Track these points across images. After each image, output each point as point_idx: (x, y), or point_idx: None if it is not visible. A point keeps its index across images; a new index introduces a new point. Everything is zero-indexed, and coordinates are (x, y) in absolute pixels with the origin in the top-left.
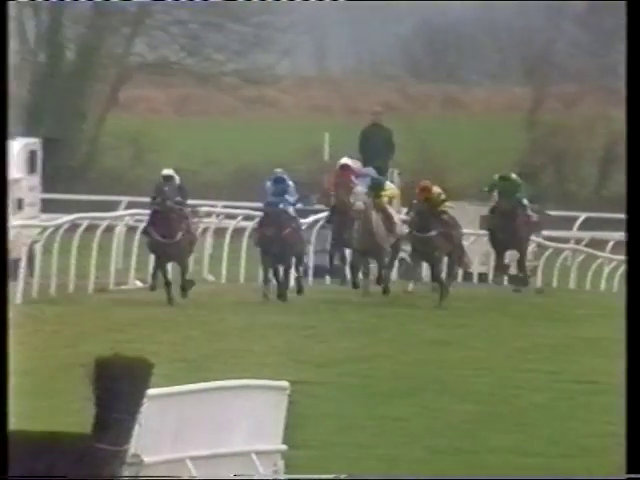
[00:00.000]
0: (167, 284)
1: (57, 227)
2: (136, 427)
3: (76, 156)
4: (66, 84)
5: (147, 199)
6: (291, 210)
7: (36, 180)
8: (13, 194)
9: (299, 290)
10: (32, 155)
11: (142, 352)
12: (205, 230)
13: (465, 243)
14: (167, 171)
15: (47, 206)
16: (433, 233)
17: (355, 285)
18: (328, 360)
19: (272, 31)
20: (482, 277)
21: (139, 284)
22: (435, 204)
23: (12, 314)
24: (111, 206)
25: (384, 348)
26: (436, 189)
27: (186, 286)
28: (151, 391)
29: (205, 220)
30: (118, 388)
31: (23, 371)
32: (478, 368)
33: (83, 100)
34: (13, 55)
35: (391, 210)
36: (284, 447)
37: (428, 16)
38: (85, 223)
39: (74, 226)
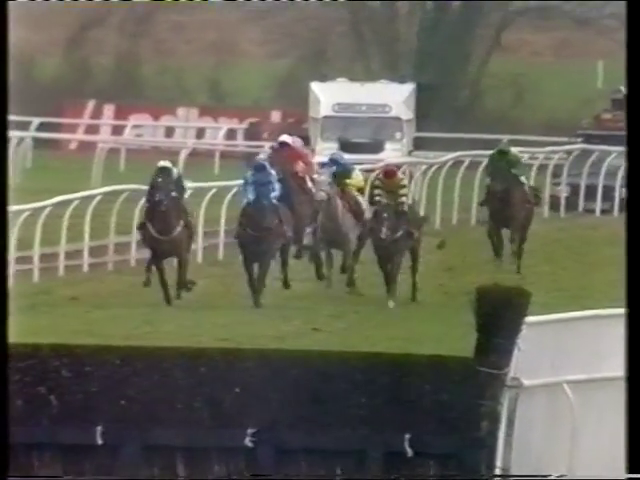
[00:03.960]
0: (163, 283)
1: (442, 164)
2: (515, 352)
3: (460, 97)
4: (451, 30)
5: (528, 138)
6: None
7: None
8: (410, 134)
9: (285, 283)
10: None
11: (521, 282)
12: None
13: None
14: (163, 163)
15: (424, 144)
16: (398, 235)
17: (320, 277)
18: None
19: None
20: None
21: None
22: (396, 193)
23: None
24: (493, 144)
25: None
26: (400, 174)
27: (182, 285)
28: (530, 318)
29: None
30: (498, 315)
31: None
32: None
33: (467, 45)
34: (403, 5)
35: (359, 198)
36: None
37: None
38: (467, 161)
39: (458, 163)
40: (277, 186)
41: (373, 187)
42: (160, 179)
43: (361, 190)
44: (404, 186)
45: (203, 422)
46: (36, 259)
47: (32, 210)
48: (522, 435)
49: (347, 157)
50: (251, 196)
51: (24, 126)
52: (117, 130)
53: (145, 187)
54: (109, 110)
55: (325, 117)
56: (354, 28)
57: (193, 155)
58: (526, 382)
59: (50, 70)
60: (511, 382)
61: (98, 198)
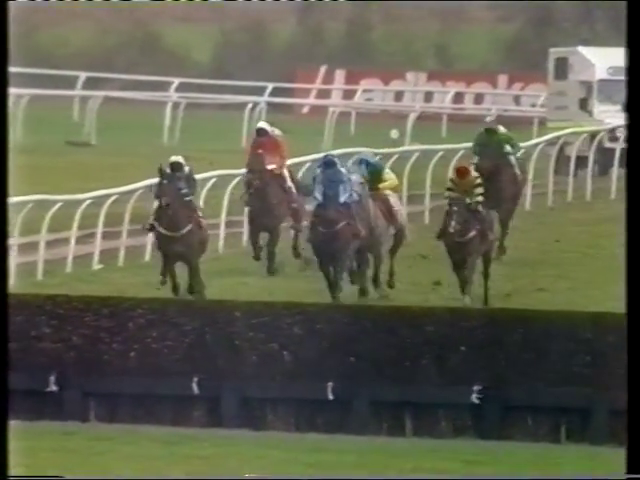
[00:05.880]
0: (175, 287)
1: None
2: None
3: None
4: None
5: None
6: (348, 198)
7: None
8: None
9: (362, 291)
10: None
11: None
12: None
13: None
14: (175, 158)
15: None
16: (471, 235)
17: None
18: None
19: None
20: None
21: None
22: (469, 191)
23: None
24: None
25: None
26: (473, 173)
27: (195, 288)
28: None
29: None
30: None
31: None
32: None
33: None
34: None
35: (392, 198)
36: None
37: None
38: None
39: None
40: (348, 187)
41: (446, 189)
42: (165, 181)
43: (395, 189)
44: (479, 185)
45: (430, 379)
46: None
47: None
48: None
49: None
50: (319, 196)
51: (259, 91)
52: (348, 94)
53: (372, 149)
54: (340, 75)
55: (601, 80)
56: None
57: (421, 118)
58: None
59: (284, 37)
60: None
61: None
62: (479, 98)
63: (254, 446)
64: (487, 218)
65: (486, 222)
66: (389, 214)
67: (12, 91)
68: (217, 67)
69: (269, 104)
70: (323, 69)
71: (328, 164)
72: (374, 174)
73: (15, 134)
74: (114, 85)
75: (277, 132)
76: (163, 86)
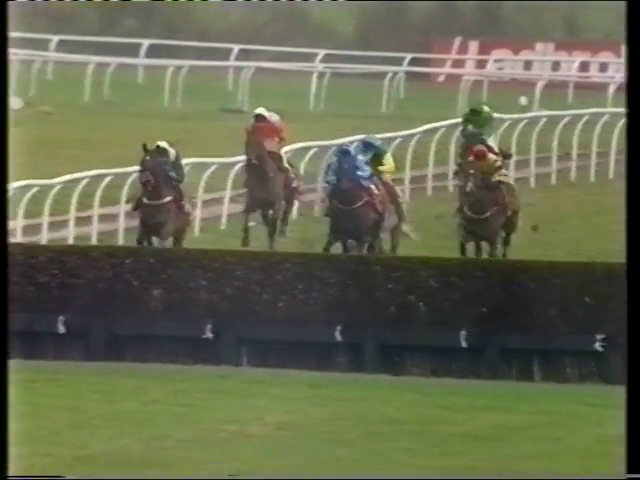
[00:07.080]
0: None
1: None
2: None
3: None
4: None
5: None
6: (365, 182)
7: None
8: None
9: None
10: None
11: None
12: None
13: None
14: (160, 143)
15: None
16: (489, 214)
17: None
18: None
19: None
20: None
21: None
22: (489, 173)
23: None
24: None
25: None
26: (491, 156)
27: None
28: None
29: None
30: None
31: None
32: None
33: None
34: None
35: (394, 187)
36: None
37: None
38: None
39: None
40: (366, 168)
41: (463, 172)
42: (148, 157)
43: (391, 174)
44: (500, 167)
45: (557, 328)
46: (407, 181)
47: (403, 137)
48: None
49: None
50: (333, 178)
51: (398, 61)
52: (480, 64)
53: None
54: (474, 46)
55: None
56: None
57: (549, 86)
58: None
59: (422, 10)
60: None
61: (442, 130)
62: (603, 67)
63: (393, 389)
64: (506, 192)
65: (505, 197)
66: (395, 205)
67: (173, 62)
68: (360, 39)
69: (407, 73)
70: (458, 40)
71: (344, 152)
72: (376, 157)
73: (175, 102)
74: (265, 56)
75: (275, 117)
76: (310, 57)
